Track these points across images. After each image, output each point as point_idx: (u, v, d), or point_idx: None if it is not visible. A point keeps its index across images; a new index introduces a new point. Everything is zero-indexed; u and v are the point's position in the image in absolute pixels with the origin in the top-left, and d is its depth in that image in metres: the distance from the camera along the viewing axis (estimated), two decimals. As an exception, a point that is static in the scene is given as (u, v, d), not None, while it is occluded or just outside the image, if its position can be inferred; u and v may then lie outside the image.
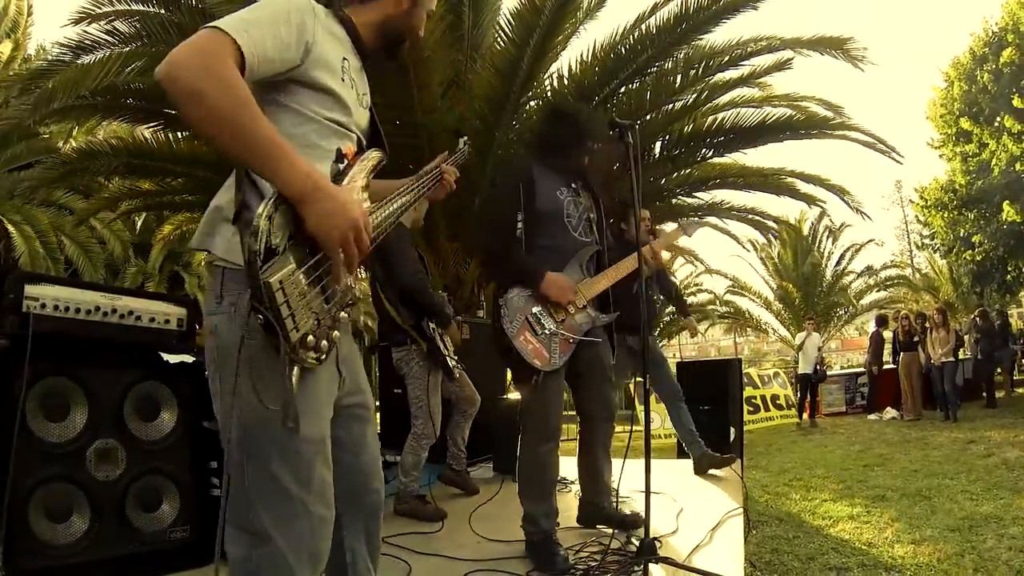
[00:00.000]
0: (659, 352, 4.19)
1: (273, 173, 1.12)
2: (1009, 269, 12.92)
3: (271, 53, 1.19)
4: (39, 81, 5.05)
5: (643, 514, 2.30)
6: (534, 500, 2.56)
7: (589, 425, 2.82)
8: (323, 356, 1.22)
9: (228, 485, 1.22)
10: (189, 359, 2.62)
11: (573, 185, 2.69)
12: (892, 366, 10.87)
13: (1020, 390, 12.14)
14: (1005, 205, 11.86)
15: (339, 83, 1.34)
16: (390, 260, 3.27)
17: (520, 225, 2.53)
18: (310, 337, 1.17)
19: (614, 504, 2.87)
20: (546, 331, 2.46)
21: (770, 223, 8.83)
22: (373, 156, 1.42)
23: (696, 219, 3.23)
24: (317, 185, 1.14)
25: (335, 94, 1.33)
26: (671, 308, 16.56)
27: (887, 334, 11.51)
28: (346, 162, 1.32)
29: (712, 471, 4.04)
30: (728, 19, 5.47)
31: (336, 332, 1.26)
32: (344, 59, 1.37)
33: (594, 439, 2.81)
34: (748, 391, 10.31)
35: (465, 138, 1.97)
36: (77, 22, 4.77)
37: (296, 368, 1.16)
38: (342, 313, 1.28)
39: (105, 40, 4.87)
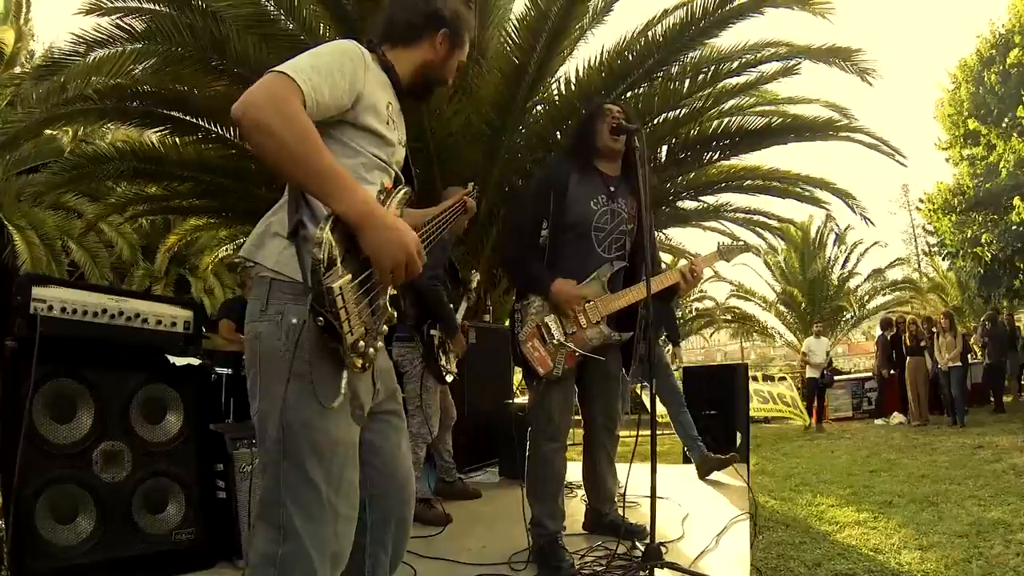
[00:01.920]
0: (664, 359, 4.21)
1: (333, 199, 1.25)
2: (1019, 266, 12.81)
3: (327, 99, 1.33)
4: (50, 72, 5.07)
5: (648, 521, 2.30)
6: (540, 499, 2.57)
7: (591, 432, 2.84)
8: (367, 364, 1.30)
9: (261, 482, 1.33)
10: (195, 362, 2.63)
11: (612, 188, 2.59)
12: (894, 372, 10.83)
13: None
14: (1016, 201, 11.76)
15: (384, 126, 1.48)
16: None
17: (545, 232, 2.52)
18: (360, 343, 1.26)
19: (619, 510, 2.87)
20: (554, 340, 2.47)
21: (774, 223, 8.81)
22: (404, 191, 1.56)
23: (738, 244, 3.15)
24: (374, 213, 1.28)
25: (380, 135, 1.47)
26: (680, 313, 16.57)
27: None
28: (386, 193, 1.48)
29: (718, 475, 4.03)
30: (735, 23, 5.47)
31: (379, 343, 1.36)
32: (389, 103, 1.51)
33: (596, 446, 2.83)
34: (756, 385, 10.42)
35: (473, 183, 2.10)
36: (88, 13, 4.77)
37: (344, 371, 1.28)
38: (384, 327, 1.38)
39: (117, 35, 4.88)
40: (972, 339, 11.38)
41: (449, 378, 3.53)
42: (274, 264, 1.33)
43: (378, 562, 1.56)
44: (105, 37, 4.85)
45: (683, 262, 3.00)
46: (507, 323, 2.64)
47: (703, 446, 4.09)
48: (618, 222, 2.60)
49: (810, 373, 10.46)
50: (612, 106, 2.64)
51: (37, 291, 2.21)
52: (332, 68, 1.35)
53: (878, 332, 11.87)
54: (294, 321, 1.29)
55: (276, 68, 1.28)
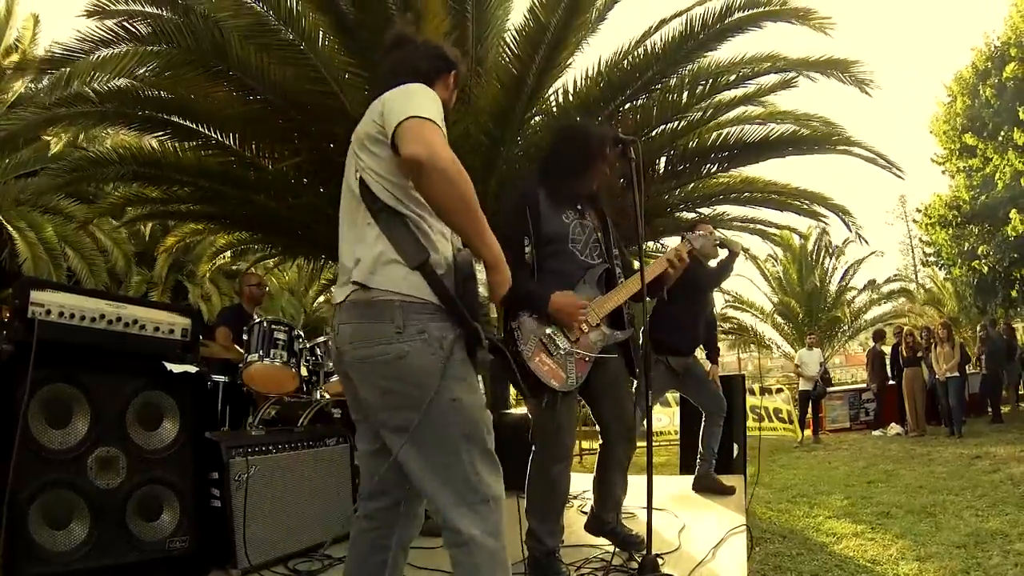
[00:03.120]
0: (703, 370, 4.20)
1: (483, 242, 1.54)
2: (1015, 277, 12.84)
3: None
4: (54, 65, 5.05)
5: (645, 532, 2.29)
6: (541, 518, 2.53)
7: (608, 443, 2.77)
8: None
9: (443, 479, 1.52)
10: (192, 369, 2.62)
11: (579, 207, 2.63)
12: (891, 382, 10.85)
13: (1025, 405, 12.07)
14: (1013, 213, 11.79)
15: None
16: None
17: (528, 249, 2.51)
18: None
19: (620, 521, 2.86)
20: (561, 351, 2.44)
21: (772, 230, 8.81)
22: None
23: (712, 238, 3.14)
24: (502, 256, 1.58)
25: None
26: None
27: (885, 348, 11.46)
28: None
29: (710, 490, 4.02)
30: (734, 37, 5.50)
31: None
32: None
33: (611, 458, 2.76)
34: (752, 400, 10.36)
35: None
36: (90, 15, 4.77)
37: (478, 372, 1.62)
38: None
39: (121, 36, 4.87)
40: (970, 349, 11.39)
41: None
42: (407, 288, 1.51)
43: (397, 563, 1.69)
44: (110, 37, 4.85)
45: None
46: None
47: (714, 463, 4.09)
48: (588, 233, 2.63)
49: (803, 385, 10.44)
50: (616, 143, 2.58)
51: (35, 295, 2.21)
52: (440, 116, 1.56)
53: (870, 345, 11.90)
54: (443, 335, 1.51)
55: (419, 114, 1.48)
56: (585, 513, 3.12)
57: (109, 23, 4.81)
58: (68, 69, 4.84)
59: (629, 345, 2.67)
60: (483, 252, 1.54)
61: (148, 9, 4.89)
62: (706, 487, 3.99)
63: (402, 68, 1.73)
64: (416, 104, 1.51)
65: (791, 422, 10.65)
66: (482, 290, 1.53)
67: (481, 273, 1.59)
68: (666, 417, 9.54)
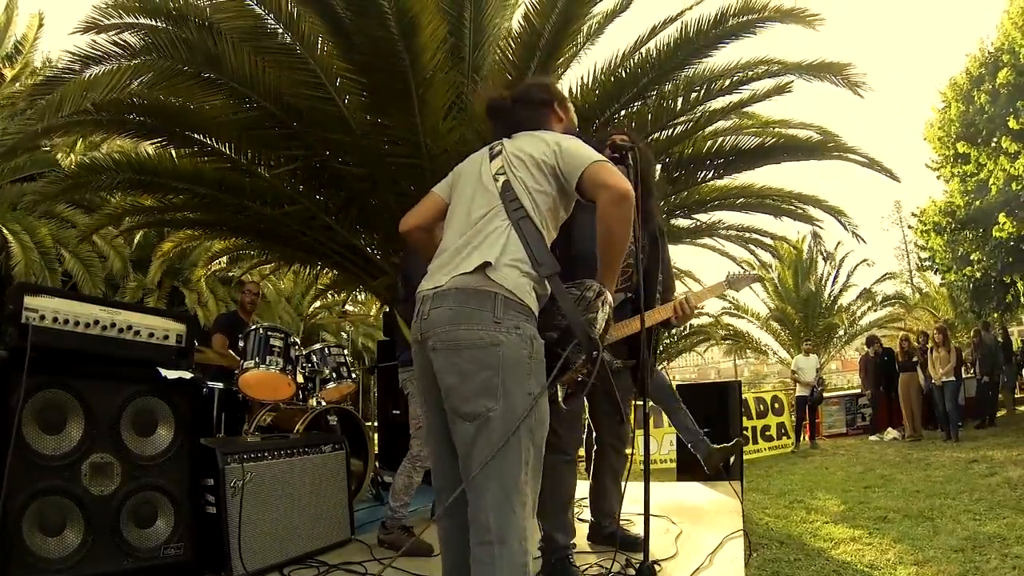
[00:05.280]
0: (656, 372, 4.18)
1: (614, 274, 1.80)
2: (1009, 281, 12.89)
3: None
4: (46, 89, 5.05)
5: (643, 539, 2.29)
6: (549, 513, 2.53)
7: (600, 450, 2.93)
8: None
9: (499, 473, 1.55)
10: (187, 375, 2.61)
11: None
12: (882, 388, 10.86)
13: (1022, 408, 12.09)
14: (1001, 217, 11.86)
15: None
16: (412, 280, 3.27)
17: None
18: None
19: (618, 523, 2.92)
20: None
21: (768, 240, 8.84)
22: None
23: (747, 272, 3.16)
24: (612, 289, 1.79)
25: None
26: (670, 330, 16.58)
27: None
28: None
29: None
30: (727, 43, 5.53)
31: None
32: None
33: (603, 465, 2.92)
34: (744, 421, 10.13)
35: None
36: (85, 31, 4.76)
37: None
38: None
39: (114, 52, 4.86)
40: (965, 353, 11.42)
41: None
42: (513, 287, 1.62)
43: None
44: (101, 54, 4.83)
45: (682, 289, 3.03)
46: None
47: (707, 439, 4.01)
48: (626, 253, 2.57)
49: (800, 391, 10.43)
50: (615, 136, 2.53)
51: (29, 300, 2.20)
52: None
53: (865, 350, 11.91)
54: (533, 335, 1.62)
55: (602, 159, 1.73)
56: (584, 520, 3.13)
57: (101, 40, 4.80)
58: (59, 92, 4.80)
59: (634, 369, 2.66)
60: (609, 282, 1.76)
61: (143, 20, 4.88)
62: (718, 461, 3.94)
63: (524, 126, 1.97)
64: (592, 151, 1.77)
65: (781, 437, 10.45)
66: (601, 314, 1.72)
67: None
68: (655, 444, 8.55)
